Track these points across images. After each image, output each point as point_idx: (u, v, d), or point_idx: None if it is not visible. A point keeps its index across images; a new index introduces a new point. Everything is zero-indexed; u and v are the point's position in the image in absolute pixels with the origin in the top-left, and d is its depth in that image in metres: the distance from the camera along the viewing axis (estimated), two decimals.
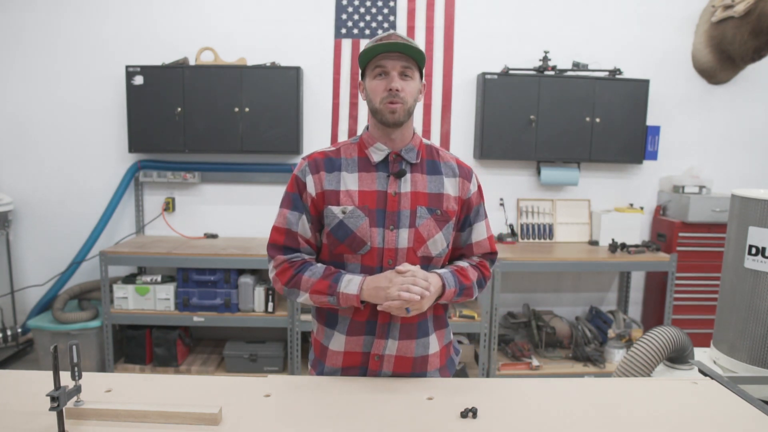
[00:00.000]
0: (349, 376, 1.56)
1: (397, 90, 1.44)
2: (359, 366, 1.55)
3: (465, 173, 1.58)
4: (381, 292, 1.42)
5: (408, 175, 1.51)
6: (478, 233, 1.61)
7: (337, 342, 1.54)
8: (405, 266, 1.43)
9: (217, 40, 3.95)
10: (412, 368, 1.55)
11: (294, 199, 1.53)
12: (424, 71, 1.54)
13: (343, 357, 1.54)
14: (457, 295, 1.53)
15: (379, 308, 1.42)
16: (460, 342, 3.94)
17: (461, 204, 1.56)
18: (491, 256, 1.66)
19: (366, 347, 1.53)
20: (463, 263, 1.60)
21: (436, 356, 1.58)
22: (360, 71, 1.54)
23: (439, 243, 1.51)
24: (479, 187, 1.63)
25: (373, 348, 1.52)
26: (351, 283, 1.45)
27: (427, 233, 1.49)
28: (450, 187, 1.54)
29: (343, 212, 1.48)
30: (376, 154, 1.52)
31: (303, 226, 1.53)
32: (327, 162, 1.53)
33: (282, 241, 1.53)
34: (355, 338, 1.53)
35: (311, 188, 1.51)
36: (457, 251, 1.63)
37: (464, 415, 1.31)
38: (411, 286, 1.38)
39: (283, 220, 1.53)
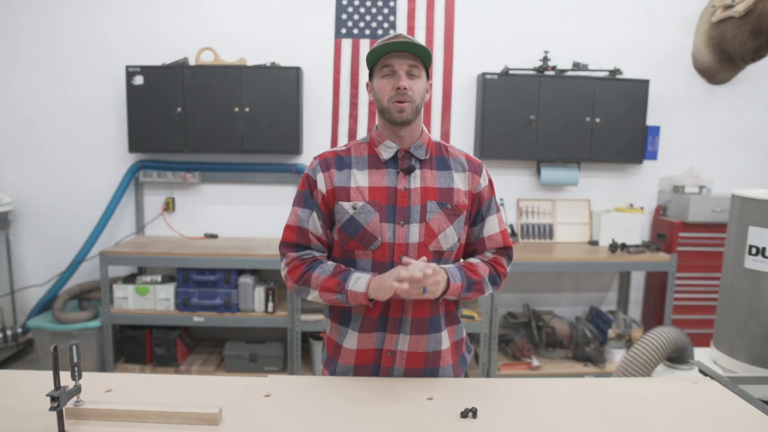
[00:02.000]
0: (362, 373, 1.57)
1: (404, 88, 1.45)
2: (372, 364, 1.56)
3: (474, 168, 1.59)
4: (385, 283, 1.41)
5: (417, 171, 1.53)
6: (490, 227, 1.61)
7: (351, 340, 1.55)
8: (408, 260, 1.41)
9: (217, 40, 3.95)
10: (425, 364, 1.55)
11: (305, 197, 1.55)
12: (430, 71, 1.55)
13: (356, 355, 1.55)
14: (466, 290, 1.52)
15: (398, 293, 1.39)
16: None
17: (472, 198, 1.57)
18: (506, 251, 1.64)
19: (378, 344, 1.54)
20: (473, 259, 1.60)
21: (448, 352, 1.59)
22: (368, 72, 1.56)
23: (450, 237, 1.52)
24: (490, 181, 1.62)
25: (386, 343, 1.53)
26: (359, 281, 1.46)
27: (438, 227, 1.50)
28: (460, 181, 1.55)
29: (354, 208, 1.49)
30: (386, 152, 1.53)
31: (314, 223, 1.54)
32: (338, 160, 1.55)
33: (293, 239, 1.55)
34: (367, 335, 1.53)
35: (322, 185, 1.53)
36: (470, 247, 1.63)
37: (464, 415, 1.31)
38: (412, 271, 1.35)
39: (295, 218, 1.56)
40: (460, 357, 1.66)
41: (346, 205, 1.50)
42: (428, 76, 1.54)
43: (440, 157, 1.57)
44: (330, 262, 1.54)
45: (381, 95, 1.49)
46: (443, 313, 1.58)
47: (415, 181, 1.52)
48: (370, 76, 1.55)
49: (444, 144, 1.61)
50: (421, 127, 1.58)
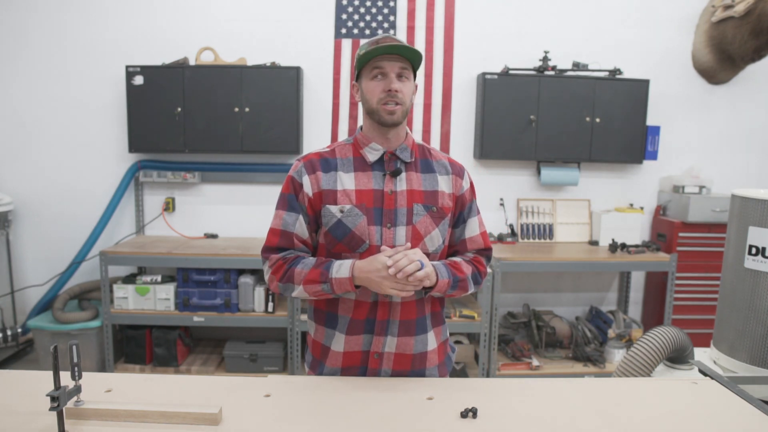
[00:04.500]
0: (349, 375, 1.56)
1: (396, 91, 1.46)
2: (359, 366, 1.55)
3: (457, 170, 1.61)
4: (373, 276, 1.40)
5: (403, 174, 1.53)
6: (471, 229, 1.62)
7: (338, 342, 1.55)
8: (389, 251, 1.42)
9: (217, 40, 3.95)
10: (412, 365, 1.55)
11: (290, 200, 1.53)
12: (416, 72, 1.56)
13: (343, 357, 1.55)
14: (452, 288, 1.52)
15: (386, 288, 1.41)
16: (458, 342, 3.94)
17: (455, 200, 1.58)
18: (486, 252, 1.66)
19: (365, 346, 1.53)
20: (456, 258, 1.61)
21: (434, 353, 1.59)
22: (356, 73, 1.55)
23: (435, 239, 1.53)
24: (471, 183, 1.65)
25: (373, 345, 1.53)
26: (342, 267, 1.45)
27: (424, 230, 1.51)
28: (444, 184, 1.57)
29: (341, 211, 1.49)
30: (372, 154, 1.54)
31: (300, 227, 1.53)
32: (323, 162, 1.54)
33: (276, 243, 1.53)
34: (354, 337, 1.53)
35: (308, 188, 1.52)
36: (452, 248, 1.64)
37: (464, 415, 1.31)
38: (405, 267, 1.37)
39: (279, 221, 1.53)
40: (446, 357, 1.67)
41: (334, 209, 1.49)
42: (415, 77, 1.55)
43: (424, 160, 1.58)
44: (312, 257, 1.53)
45: (370, 97, 1.49)
46: (429, 314, 1.58)
47: (402, 183, 1.52)
48: (357, 77, 1.54)
49: (426, 146, 1.63)
50: (406, 129, 1.59)
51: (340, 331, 1.54)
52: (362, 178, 1.52)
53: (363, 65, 1.50)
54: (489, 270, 1.64)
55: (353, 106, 4.03)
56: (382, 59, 1.46)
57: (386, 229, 1.49)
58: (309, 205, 1.52)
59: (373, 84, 1.48)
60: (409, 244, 1.46)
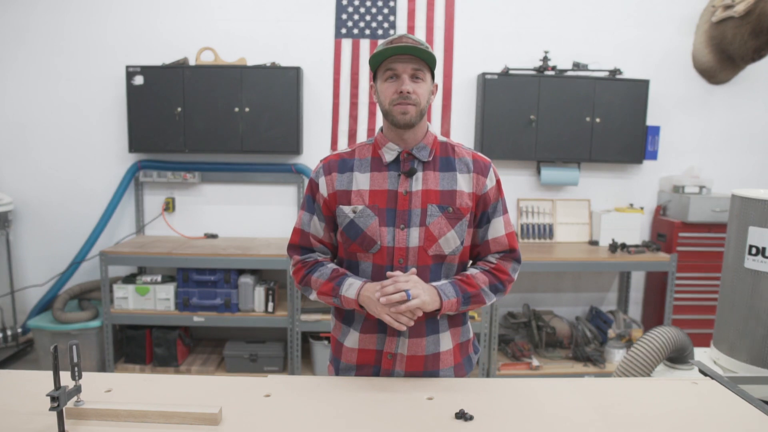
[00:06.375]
0: (364, 373, 1.57)
1: (408, 92, 1.44)
2: (373, 364, 1.56)
3: (480, 168, 1.55)
4: (372, 304, 1.45)
5: (420, 174, 1.51)
6: (495, 229, 1.57)
7: (352, 339, 1.57)
8: (387, 281, 1.43)
9: (217, 40, 3.95)
10: (424, 366, 1.55)
11: (308, 201, 1.59)
12: (435, 72, 1.55)
13: (357, 354, 1.56)
14: (464, 304, 1.50)
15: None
16: None
17: (476, 200, 1.54)
18: (512, 254, 1.59)
19: (379, 345, 1.54)
20: (472, 270, 1.57)
21: (449, 354, 1.58)
22: (372, 74, 1.55)
23: (451, 241, 1.51)
24: (498, 181, 1.58)
25: (386, 346, 1.54)
26: (351, 288, 1.48)
27: (438, 231, 1.49)
28: (464, 183, 1.53)
29: (354, 212, 1.50)
30: (388, 154, 1.53)
31: (315, 227, 1.57)
32: (341, 163, 1.56)
33: (297, 241, 1.61)
34: (368, 336, 1.55)
35: (323, 189, 1.55)
36: (475, 249, 1.61)
37: (459, 416, 1.31)
38: (391, 295, 1.39)
39: (299, 221, 1.61)
40: (465, 358, 1.64)
41: (347, 209, 1.51)
42: (433, 77, 1.53)
43: (445, 158, 1.55)
44: (330, 265, 1.56)
45: (384, 98, 1.48)
46: (445, 315, 1.56)
47: (417, 183, 1.50)
48: (374, 78, 1.53)
49: (451, 144, 1.58)
50: (426, 128, 1.56)
51: (355, 328, 1.56)
52: (377, 179, 1.52)
53: (377, 66, 1.49)
54: (515, 277, 1.61)
55: (353, 106, 4.03)
56: (395, 60, 1.45)
57: (399, 230, 1.49)
58: (325, 206, 1.55)
59: (386, 85, 1.48)
60: (414, 269, 1.46)
